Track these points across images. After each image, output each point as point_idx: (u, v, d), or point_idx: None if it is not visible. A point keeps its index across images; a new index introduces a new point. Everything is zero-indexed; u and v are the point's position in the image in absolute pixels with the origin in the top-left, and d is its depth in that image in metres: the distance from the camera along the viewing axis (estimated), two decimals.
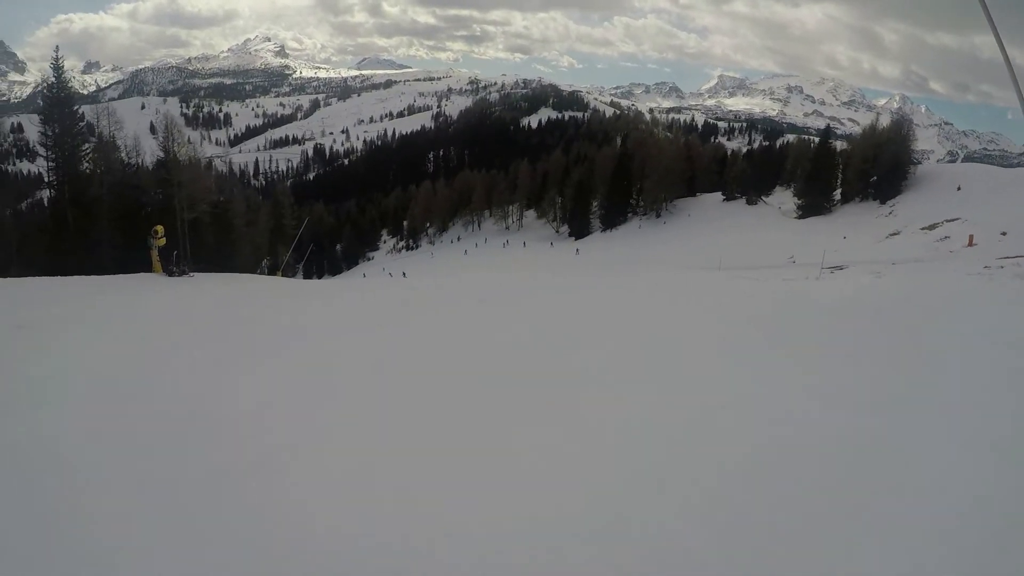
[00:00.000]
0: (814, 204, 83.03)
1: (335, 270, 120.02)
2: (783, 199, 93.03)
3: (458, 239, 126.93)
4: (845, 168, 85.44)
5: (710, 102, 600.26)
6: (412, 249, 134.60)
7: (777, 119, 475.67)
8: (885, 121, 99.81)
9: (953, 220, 55.30)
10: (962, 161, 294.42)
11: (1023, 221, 47.35)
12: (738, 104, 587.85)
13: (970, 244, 44.72)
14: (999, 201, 58.93)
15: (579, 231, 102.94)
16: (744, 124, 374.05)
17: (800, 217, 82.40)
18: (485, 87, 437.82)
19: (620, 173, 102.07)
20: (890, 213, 70.64)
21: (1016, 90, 9.62)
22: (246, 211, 56.91)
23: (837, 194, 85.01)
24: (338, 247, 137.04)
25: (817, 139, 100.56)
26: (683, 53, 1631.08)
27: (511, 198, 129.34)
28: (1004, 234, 45.35)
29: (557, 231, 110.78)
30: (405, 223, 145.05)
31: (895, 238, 56.70)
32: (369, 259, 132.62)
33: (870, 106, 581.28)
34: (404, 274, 65.88)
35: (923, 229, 56.04)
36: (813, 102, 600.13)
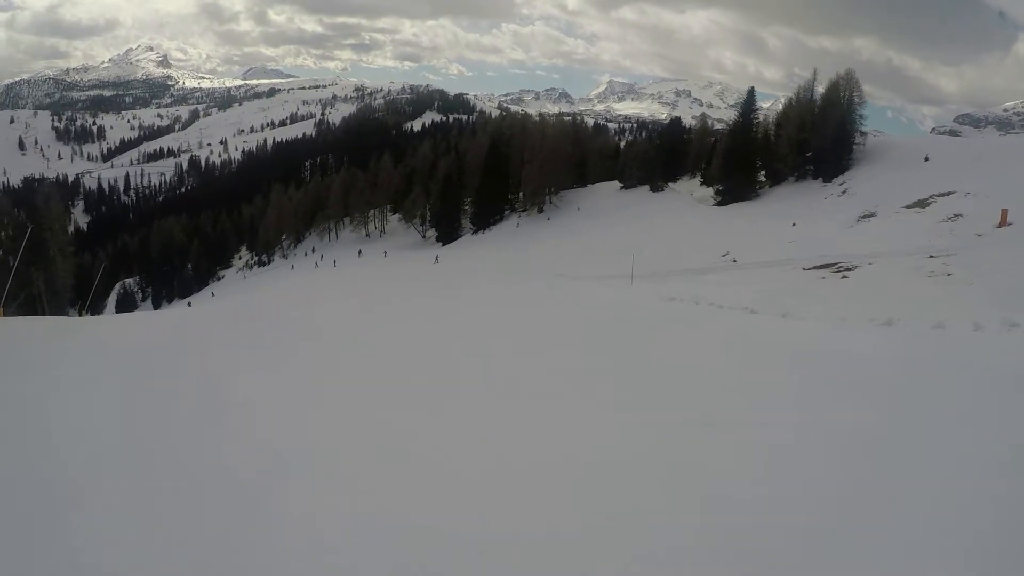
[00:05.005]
0: (736, 188, 67.12)
1: (185, 291, 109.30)
2: (691, 187, 78.65)
3: (312, 250, 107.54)
4: (774, 142, 70.13)
5: (599, 107, 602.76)
6: (264, 265, 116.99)
7: (666, 122, 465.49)
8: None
9: (947, 194, 42.20)
10: None
11: None
12: (627, 108, 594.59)
13: (1003, 223, 32.61)
14: (988, 171, 47.13)
15: (447, 235, 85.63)
16: (634, 126, 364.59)
17: (720, 204, 66.95)
18: (371, 94, 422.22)
19: (493, 162, 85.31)
20: (844, 192, 56.32)
21: None
22: None
23: (762, 175, 70.36)
24: (189, 266, 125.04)
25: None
26: (572, 59, 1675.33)
27: (371, 200, 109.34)
28: None
29: (424, 236, 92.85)
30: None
31: (872, 221, 43.15)
32: (220, 278, 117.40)
33: (757, 108, 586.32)
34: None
35: (907, 207, 42.71)
36: (701, 105, 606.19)
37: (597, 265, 39.84)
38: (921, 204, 42.33)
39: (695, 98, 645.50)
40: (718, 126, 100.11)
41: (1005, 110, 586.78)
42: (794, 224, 46.95)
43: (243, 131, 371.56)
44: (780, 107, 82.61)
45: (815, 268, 25.09)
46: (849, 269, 23.33)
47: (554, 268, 41.58)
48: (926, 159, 57.40)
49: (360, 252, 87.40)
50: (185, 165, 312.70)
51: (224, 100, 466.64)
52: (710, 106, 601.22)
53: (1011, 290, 16.05)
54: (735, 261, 35.53)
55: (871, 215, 44.43)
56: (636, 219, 62.65)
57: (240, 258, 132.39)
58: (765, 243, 40.13)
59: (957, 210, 38.02)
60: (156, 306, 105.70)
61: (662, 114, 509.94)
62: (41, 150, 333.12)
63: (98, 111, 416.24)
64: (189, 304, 71.74)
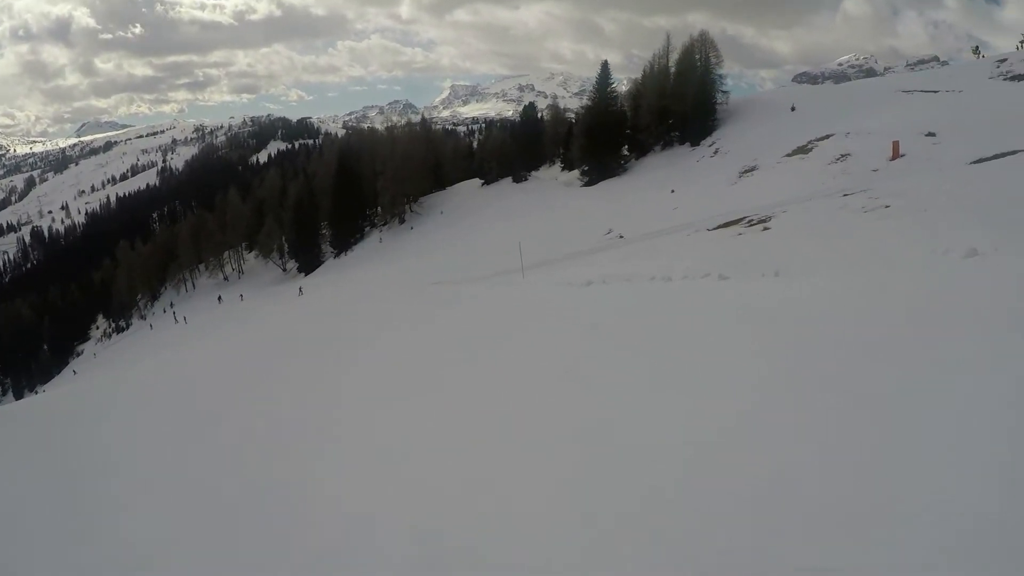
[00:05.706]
0: (601, 166, 65.42)
1: (45, 376, 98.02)
2: (554, 173, 77.02)
3: (171, 305, 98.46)
4: (633, 114, 69.02)
5: (445, 113, 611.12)
6: (123, 331, 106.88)
7: (514, 118, 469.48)
8: None
9: (825, 138, 41.63)
10: None
11: (939, 121, 37.33)
12: (473, 111, 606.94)
13: (896, 156, 33.21)
14: (855, 112, 48.49)
15: (308, 264, 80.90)
16: (483, 126, 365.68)
17: (588, 184, 65.06)
18: (212, 132, 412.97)
19: (344, 180, 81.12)
20: (716, 152, 55.58)
21: None
22: None
23: (625, 149, 68.88)
24: (45, 347, 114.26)
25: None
26: (412, 69, 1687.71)
27: (223, 240, 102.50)
28: (932, 135, 34.54)
29: (284, 269, 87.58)
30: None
31: (755, 174, 42.06)
32: (79, 354, 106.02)
33: (613, 82, 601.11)
34: None
35: (789, 156, 42.03)
36: (546, 97, 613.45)
37: (475, 266, 36.69)
38: (803, 151, 41.34)
39: (539, 91, 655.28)
40: (568, 115, 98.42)
41: (840, 64, 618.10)
42: (672, 191, 45.49)
43: (84, 192, 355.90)
44: (624, 89, 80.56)
45: (722, 227, 21.88)
46: (764, 220, 20.21)
47: (428, 277, 37.90)
48: (792, 109, 57.16)
49: (220, 298, 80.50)
50: (28, 238, 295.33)
51: (60, 162, 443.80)
52: (555, 97, 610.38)
53: (975, 212, 13.59)
54: (622, 237, 33.67)
55: (752, 169, 43.08)
56: (506, 213, 59.73)
57: (97, 328, 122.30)
58: (647, 214, 38.37)
59: (843, 150, 37.33)
60: (18, 397, 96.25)
61: (508, 111, 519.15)
62: None
63: None
64: (36, 392, 65.16)
